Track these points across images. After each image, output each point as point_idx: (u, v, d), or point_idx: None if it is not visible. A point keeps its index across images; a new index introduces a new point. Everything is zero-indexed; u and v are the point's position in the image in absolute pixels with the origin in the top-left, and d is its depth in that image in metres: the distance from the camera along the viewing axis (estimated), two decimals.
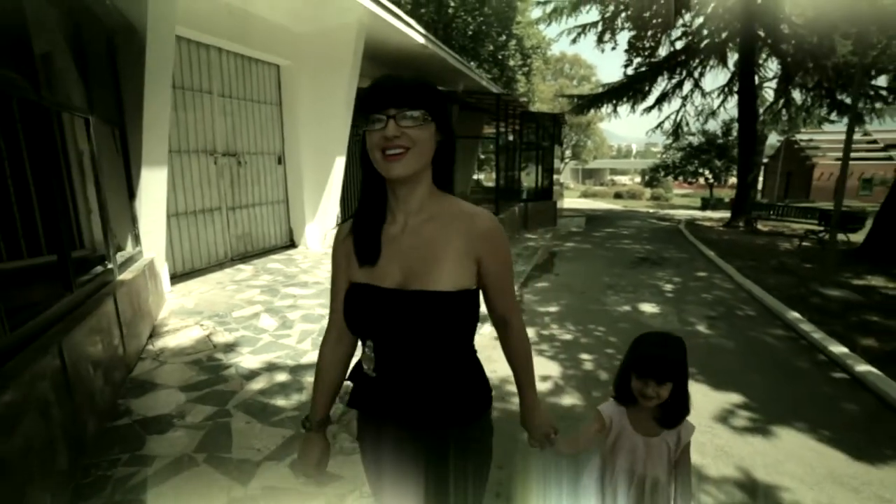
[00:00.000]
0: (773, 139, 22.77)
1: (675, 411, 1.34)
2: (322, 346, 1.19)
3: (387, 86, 0.94)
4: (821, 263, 6.91)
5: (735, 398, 2.98)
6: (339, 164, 6.45)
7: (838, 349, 3.62)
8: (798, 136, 23.51)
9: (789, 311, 4.59)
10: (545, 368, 3.40)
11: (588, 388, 3.10)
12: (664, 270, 6.86)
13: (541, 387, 3.17)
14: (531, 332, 4.08)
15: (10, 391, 1.59)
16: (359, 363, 1.12)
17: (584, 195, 28.92)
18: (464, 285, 1.01)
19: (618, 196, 27.48)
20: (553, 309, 4.83)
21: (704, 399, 2.96)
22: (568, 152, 32.68)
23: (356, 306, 1.06)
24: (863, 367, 3.28)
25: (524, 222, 10.45)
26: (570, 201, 21.69)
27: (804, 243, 9.14)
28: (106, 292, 2.80)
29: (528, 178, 12.17)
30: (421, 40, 7.12)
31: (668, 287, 5.85)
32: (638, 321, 4.48)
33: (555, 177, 13.46)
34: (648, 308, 4.91)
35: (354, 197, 7.35)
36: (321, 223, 6.62)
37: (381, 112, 0.93)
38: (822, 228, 9.41)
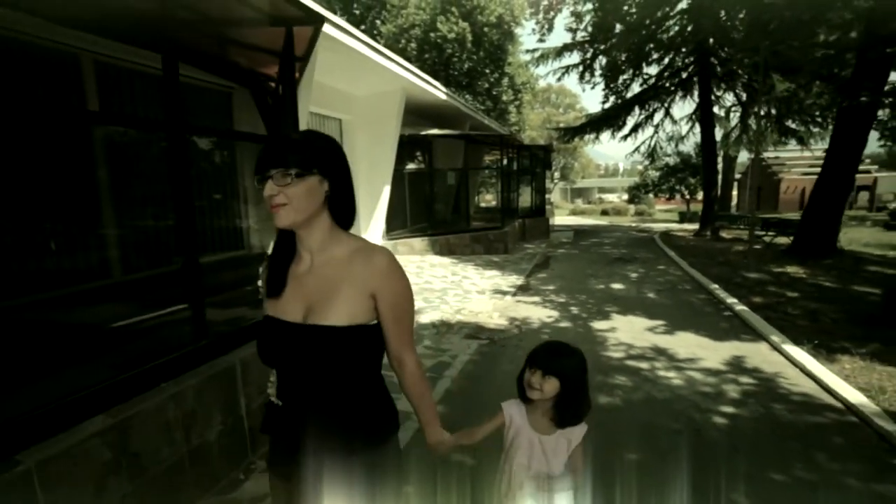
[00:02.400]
0: (745, 157, 25.38)
1: (567, 413, 1.44)
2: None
3: (266, 150, 1.08)
4: (756, 259, 9.14)
5: (660, 322, 5.14)
6: (386, 191, 8.66)
7: (731, 301, 5.82)
8: (766, 154, 26.23)
9: (712, 285, 6.81)
10: (550, 314, 5.53)
11: (574, 322, 5.24)
12: (633, 265, 9.09)
13: (548, 319, 5.30)
14: (538, 300, 6.23)
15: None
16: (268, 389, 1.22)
17: (573, 213, 31.34)
18: (359, 320, 1.10)
19: (604, 213, 29.89)
20: (551, 287, 7.00)
21: (643, 323, 5.10)
22: (557, 174, 35.34)
23: (263, 337, 1.16)
24: (738, 307, 5.48)
25: (522, 235, 12.67)
26: (560, 218, 24.03)
27: (754, 246, 11.39)
28: None
29: (524, 199, 14.48)
30: (443, 97, 9.46)
31: (634, 275, 8.06)
32: (609, 292, 6.66)
33: (546, 196, 15.78)
34: (617, 286, 7.11)
35: (393, 216, 9.52)
36: (373, 236, 8.78)
37: (261, 174, 1.06)
38: (764, 233, 11.73)
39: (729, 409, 3.14)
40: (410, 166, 10.42)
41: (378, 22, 21.89)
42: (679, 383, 3.58)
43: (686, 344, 4.44)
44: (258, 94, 4.18)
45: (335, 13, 14.54)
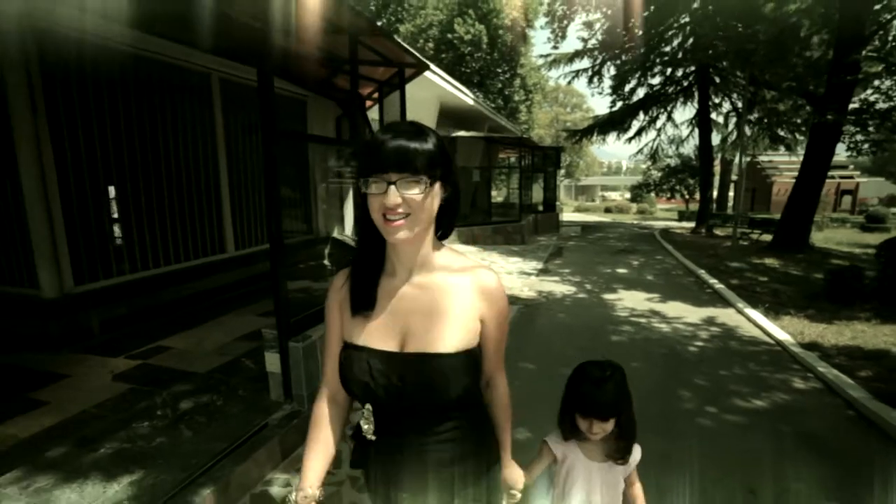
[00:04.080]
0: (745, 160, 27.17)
1: (624, 443, 1.39)
2: (315, 407, 1.14)
3: (388, 147, 0.90)
4: (741, 252, 10.78)
5: (656, 295, 6.78)
6: None
7: (712, 281, 7.49)
8: (760, 158, 27.97)
9: (699, 270, 8.47)
10: (569, 289, 7.17)
11: (589, 294, 6.88)
12: (635, 256, 10.76)
13: (568, 293, 6.93)
14: (557, 279, 7.86)
15: None
16: (359, 424, 1.10)
17: (578, 210, 33.02)
18: (466, 345, 1.00)
19: (608, 210, 31.57)
20: (567, 270, 8.65)
21: (643, 295, 6.74)
22: (562, 171, 37.02)
23: (352, 369, 1.02)
24: (717, 286, 7.16)
25: (535, 228, 14.29)
26: (566, 215, 25.70)
27: (740, 241, 13.07)
28: None
29: (536, 195, 16.11)
30: (470, 102, 11.02)
31: (636, 263, 9.73)
32: (615, 275, 8.31)
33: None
34: (622, 270, 8.77)
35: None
36: None
37: (380, 176, 0.90)
38: (750, 231, 13.42)
39: (699, 343, 4.78)
40: None
41: (393, 19, 23.28)
42: (667, 330, 5.21)
43: (674, 308, 6.08)
44: (350, 108, 5.86)
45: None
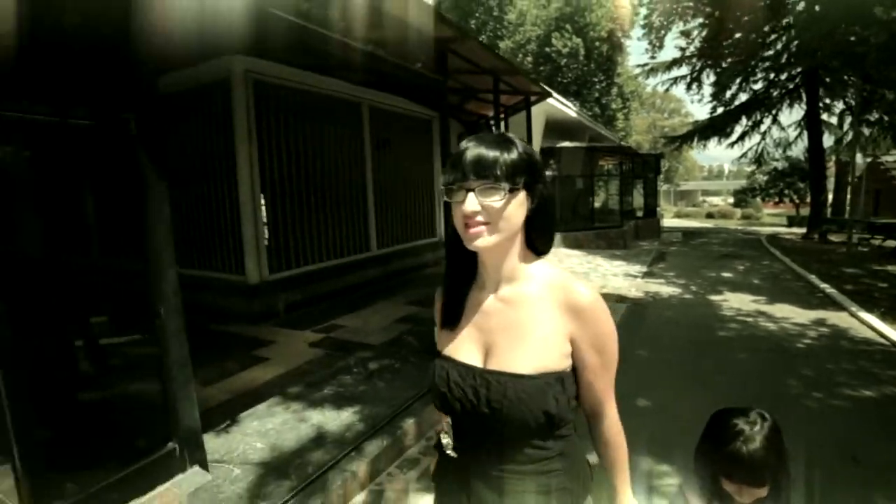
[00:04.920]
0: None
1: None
2: None
3: (468, 154, 0.88)
4: (859, 258, 10.14)
5: (762, 297, 6.87)
6: None
7: (824, 286, 7.34)
8: (884, 158, 24.89)
9: (810, 275, 8.25)
10: (675, 291, 7.45)
11: (694, 295, 7.12)
12: (740, 261, 10.55)
13: (674, 293, 7.23)
14: (662, 282, 8.14)
15: None
16: (440, 436, 1.05)
17: (678, 215, 31.54)
18: (549, 368, 0.92)
19: (709, 216, 29.83)
20: (671, 274, 8.87)
21: (749, 297, 6.87)
22: (661, 176, 35.63)
23: (434, 378, 1.00)
24: (829, 290, 7.04)
25: (636, 234, 14.32)
26: (667, 220, 24.86)
27: (859, 248, 12.11)
28: None
29: (637, 201, 16.10)
30: (573, 114, 11.50)
31: (741, 267, 9.62)
32: (720, 278, 8.38)
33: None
34: (727, 274, 8.79)
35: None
36: None
37: (460, 183, 0.88)
38: (870, 236, 12.37)
39: (807, 341, 4.98)
40: (548, 173, 12.62)
41: (493, 36, 24.11)
42: (774, 328, 5.42)
43: (782, 310, 6.19)
44: (476, 128, 6.75)
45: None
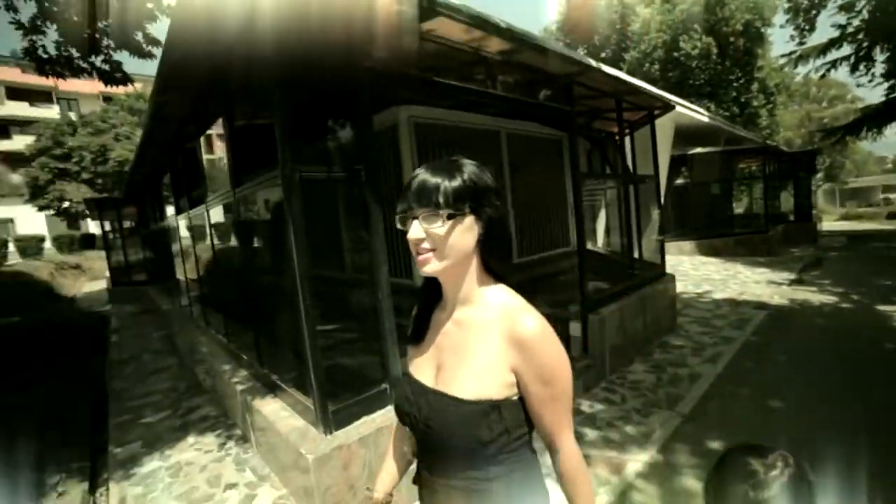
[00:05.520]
0: None
1: None
2: (395, 427, 1.18)
3: (413, 184, 0.91)
4: None
5: None
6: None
7: None
8: None
9: None
10: (829, 299, 6.77)
11: (854, 305, 6.40)
12: None
13: (827, 302, 6.58)
14: (814, 290, 7.38)
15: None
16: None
17: (845, 217, 26.92)
18: (487, 395, 0.91)
19: (892, 216, 24.91)
20: (826, 281, 7.99)
21: None
22: (819, 175, 30.69)
23: (397, 392, 1.04)
24: None
25: (786, 239, 12.87)
26: (828, 224, 21.48)
27: None
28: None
29: (787, 204, 14.41)
30: (706, 119, 10.93)
31: None
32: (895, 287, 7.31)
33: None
34: None
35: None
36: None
37: (405, 212, 0.91)
38: None
39: None
40: (678, 181, 12.10)
41: (617, 49, 23.51)
42: None
43: None
44: (603, 146, 6.96)
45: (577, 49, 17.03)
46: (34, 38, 7.35)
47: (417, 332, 1.07)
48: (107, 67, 8.93)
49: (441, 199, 0.89)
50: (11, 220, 30.36)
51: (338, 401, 2.38)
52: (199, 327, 5.22)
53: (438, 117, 6.26)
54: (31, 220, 31.72)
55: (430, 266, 0.92)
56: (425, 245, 0.91)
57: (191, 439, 3.51)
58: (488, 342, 0.94)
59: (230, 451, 3.26)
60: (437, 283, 1.02)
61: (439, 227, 0.89)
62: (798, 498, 0.89)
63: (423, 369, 1.02)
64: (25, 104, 33.00)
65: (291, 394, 2.67)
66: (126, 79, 10.03)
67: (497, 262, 0.99)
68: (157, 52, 9.31)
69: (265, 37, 2.15)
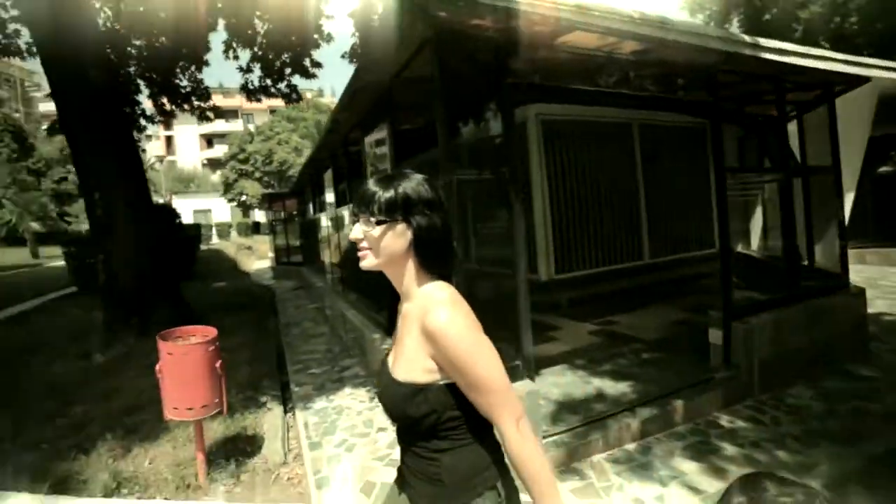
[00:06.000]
0: None
1: None
2: None
3: (359, 191, 1.09)
4: None
5: None
6: (849, 199, 8.85)
7: None
8: None
9: None
10: None
11: None
12: None
13: None
14: None
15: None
16: None
17: None
18: (413, 379, 1.04)
19: None
20: None
21: None
22: None
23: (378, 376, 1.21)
24: None
25: None
26: None
27: None
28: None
29: None
30: None
31: None
32: None
33: None
34: None
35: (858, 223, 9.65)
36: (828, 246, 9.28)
37: (354, 214, 1.11)
38: None
39: None
40: (884, 169, 10.11)
41: (788, 6, 20.04)
42: None
43: None
44: (763, 134, 6.23)
45: None
46: (247, 76, 10.38)
47: (391, 323, 1.23)
48: (287, 90, 11.17)
49: (375, 208, 1.05)
50: (210, 210, 37.68)
51: None
52: (347, 301, 6.19)
53: (565, 113, 6.38)
54: (220, 210, 39.14)
55: (366, 262, 1.09)
56: (364, 244, 1.08)
57: (347, 390, 4.38)
58: (412, 332, 1.07)
59: (378, 404, 3.93)
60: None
61: (372, 230, 1.06)
62: None
63: (391, 355, 1.18)
64: (223, 121, 40.72)
65: None
66: (299, 97, 12.13)
67: (430, 263, 1.10)
68: (318, 72, 11.08)
69: (427, 66, 2.64)
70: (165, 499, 2.83)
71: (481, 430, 1.10)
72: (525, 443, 1.02)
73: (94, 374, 4.84)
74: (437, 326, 1.00)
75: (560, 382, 3.91)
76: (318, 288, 8.78)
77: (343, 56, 11.28)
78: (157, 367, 2.72)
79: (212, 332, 2.84)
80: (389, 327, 1.24)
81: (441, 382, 1.04)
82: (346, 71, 10.99)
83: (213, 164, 47.90)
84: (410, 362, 1.06)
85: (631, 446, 3.20)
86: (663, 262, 7.60)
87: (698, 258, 8.15)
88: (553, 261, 6.49)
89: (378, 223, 1.05)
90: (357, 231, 1.08)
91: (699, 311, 5.16)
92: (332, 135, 5.25)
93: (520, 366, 2.90)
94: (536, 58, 2.60)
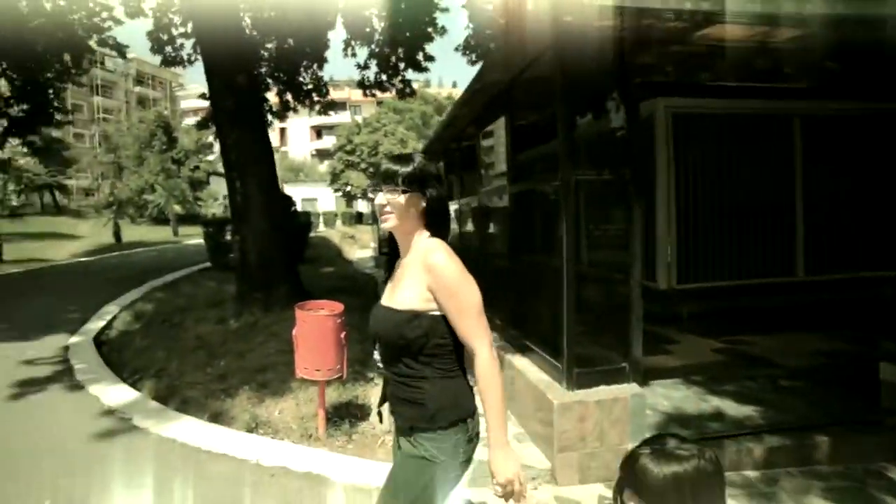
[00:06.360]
0: None
1: None
2: None
3: (381, 168, 1.47)
4: None
5: None
6: None
7: None
8: None
9: None
10: None
11: None
12: None
13: None
14: None
15: None
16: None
17: None
18: (410, 307, 1.35)
19: None
20: None
21: None
22: None
23: (370, 318, 1.52)
24: None
25: None
26: None
27: None
28: None
29: None
30: None
31: None
32: None
33: None
34: None
35: None
36: None
37: (375, 185, 1.44)
38: None
39: None
40: None
41: None
42: None
43: None
44: None
45: None
46: (364, 72, 11.37)
47: (389, 274, 1.58)
48: (401, 85, 11.93)
49: (399, 180, 1.37)
50: (316, 199, 41.08)
51: (582, 366, 2.92)
52: None
53: (701, 106, 5.94)
54: (325, 199, 42.40)
55: (388, 224, 1.42)
56: (388, 209, 1.39)
57: None
58: (413, 271, 1.38)
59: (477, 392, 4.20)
60: (395, 242, 1.53)
61: (395, 198, 1.38)
62: (699, 484, 0.94)
63: (385, 296, 1.51)
64: (332, 112, 44.11)
65: (540, 354, 3.34)
66: (412, 92, 12.88)
67: (436, 227, 1.45)
68: (430, 65, 11.61)
69: (549, 66, 2.80)
70: (292, 443, 3.46)
71: (459, 368, 1.42)
72: (493, 362, 1.33)
73: (230, 336, 5.75)
74: (436, 261, 1.33)
75: (672, 396, 3.82)
76: None
77: (457, 49, 11.76)
78: (294, 332, 3.31)
79: (339, 307, 3.39)
80: (388, 276, 1.57)
81: (433, 312, 1.34)
82: (454, 61, 11.48)
83: (322, 154, 52.08)
84: (408, 294, 1.37)
85: (751, 473, 3.02)
86: (823, 280, 6.61)
87: (872, 280, 6.96)
88: (675, 269, 6.19)
89: (402, 192, 1.37)
90: (382, 198, 1.40)
91: (862, 342, 4.59)
92: (449, 129, 5.58)
93: (626, 368, 2.95)
94: (670, 51, 2.61)
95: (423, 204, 1.41)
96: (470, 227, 5.44)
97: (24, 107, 11.04)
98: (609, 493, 2.69)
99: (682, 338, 5.51)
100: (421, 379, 1.37)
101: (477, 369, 1.33)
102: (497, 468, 1.30)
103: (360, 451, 3.31)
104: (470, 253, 5.71)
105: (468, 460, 1.43)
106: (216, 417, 3.87)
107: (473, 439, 1.42)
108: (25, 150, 26.61)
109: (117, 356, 5.80)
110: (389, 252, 1.58)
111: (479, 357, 1.32)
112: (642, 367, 3.02)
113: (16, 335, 6.73)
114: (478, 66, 4.16)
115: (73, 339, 6.47)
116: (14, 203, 31.86)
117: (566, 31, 2.75)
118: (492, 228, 4.72)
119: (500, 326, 4.36)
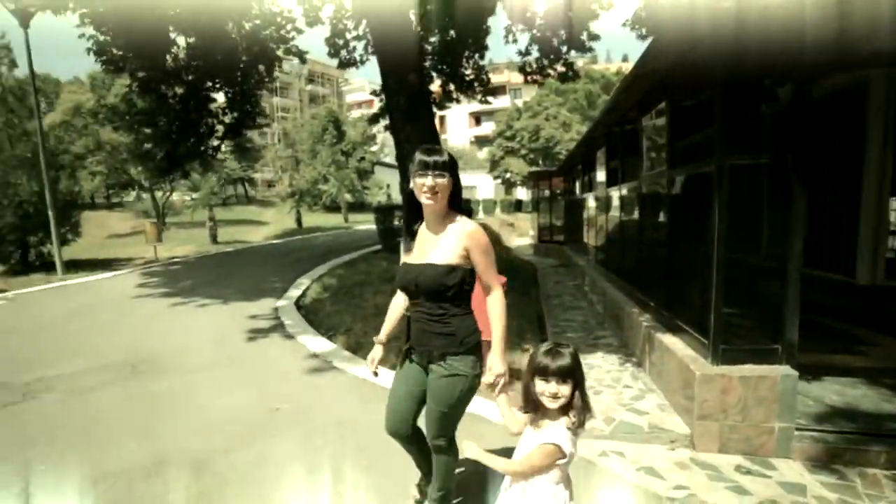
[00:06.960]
0: None
1: (586, 411, 1.74)
2: (393, 298, 2.44)
3: (430, 159, 2.02)
4: None
5: None
6: None
7: None
8: None
9: None
10: None
11: None
12: None
13: None
14: None
15: None
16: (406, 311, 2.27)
17: None
18: (448, 261, 2.03)
19: None
20: None
21: None
22: None
23: (400, 272, 2.23)
24: None
25: None
26: None
27: None
28: None
29: None
30: None
31: None
32: None
33: None
34: None
35: None
36: None
37: (426, 171, 2.02)
38: None
39: None
40: None
41: None
42: None
43: None
44: None
45: None
46: (524, 57, 12.07)
47: (414, 239, 2.24)
48: (563, 69, 12.25)
49: (442, 167, 2.03)
50: (475, 187, 42.93)
51: (729, 344, 3.21)
52: (609, 280, 6.87)
53: None
54: (484, 187, 43.93)
55: (434, 203, 2.05)
56: (436, 189, 2.02)
57: (599, 354, 5.17)
58: (451, 238, 2.06)
59: (627, 368, 4.71)
60: (420, 214, 2.18)
61: (441, 182, 2.03)
62: (577, 363, 1.73)
63: (413, 258, 2.17)
64: (491, 97, 45.67)
65: (689, 332, 3.65)
66: (576, 75, 13.11)
67: (456, 202, 2.14)
68: (595, 45, 11.60)
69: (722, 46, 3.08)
70: None
71: (471, 308, 2.17)
72: (502, 297, 2.11)
73: None
74: (473, 230, 2.06)
75: (847, 392, 3.79)
76: (579, 267, 9.68)
77: (625, 24, 11.62)
78: None
79: (502, 279, 4.06)
80: (413, 240, 2.24)
81: (466, 266, 2.06)
82: (624, 33, 11.20)
83: (480, 141, 54.09)
84: (447, 253, 2.04)
85: (877, 471, 2.98)
86: None
87: None
88: (883, 261, 5.71)
89: (446, 177, 2.03)
90: (431, 181, 2.01)
91: None
92: (611, 114, 5.90)
93: (778, 350, 3.14)
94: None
95: (451, 186, 2.08)
96: (630, 212, 5.76)
97: (235, 115, 14.06)
98: (750, 465, 3.05)
99: (881, 339, 5.14)
100: (452, 316, 2.08)
101: (491, 300, 2.08)
102: (493, 365, 2.03)
103: (512, 403, 4.05)
104: (627, 237, 6.04)
105: (479, 374, 2.13)
106: (393, 367, 4.87)
107: (481, 359, 2.15)
108: (232, 150, 33.62)
109: (313, 317, 7.49)
110: (412, 221, 2.29)
111: (494, 292, 2.08)
112: (796, 348, 3.18)
113: (241, 297, 9.19)
114: (647, 43, 4.43)
115: (280, 303, 8.57)
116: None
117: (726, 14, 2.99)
118: (651, 214, 5.03)
119: (653, 308, 4.72)
